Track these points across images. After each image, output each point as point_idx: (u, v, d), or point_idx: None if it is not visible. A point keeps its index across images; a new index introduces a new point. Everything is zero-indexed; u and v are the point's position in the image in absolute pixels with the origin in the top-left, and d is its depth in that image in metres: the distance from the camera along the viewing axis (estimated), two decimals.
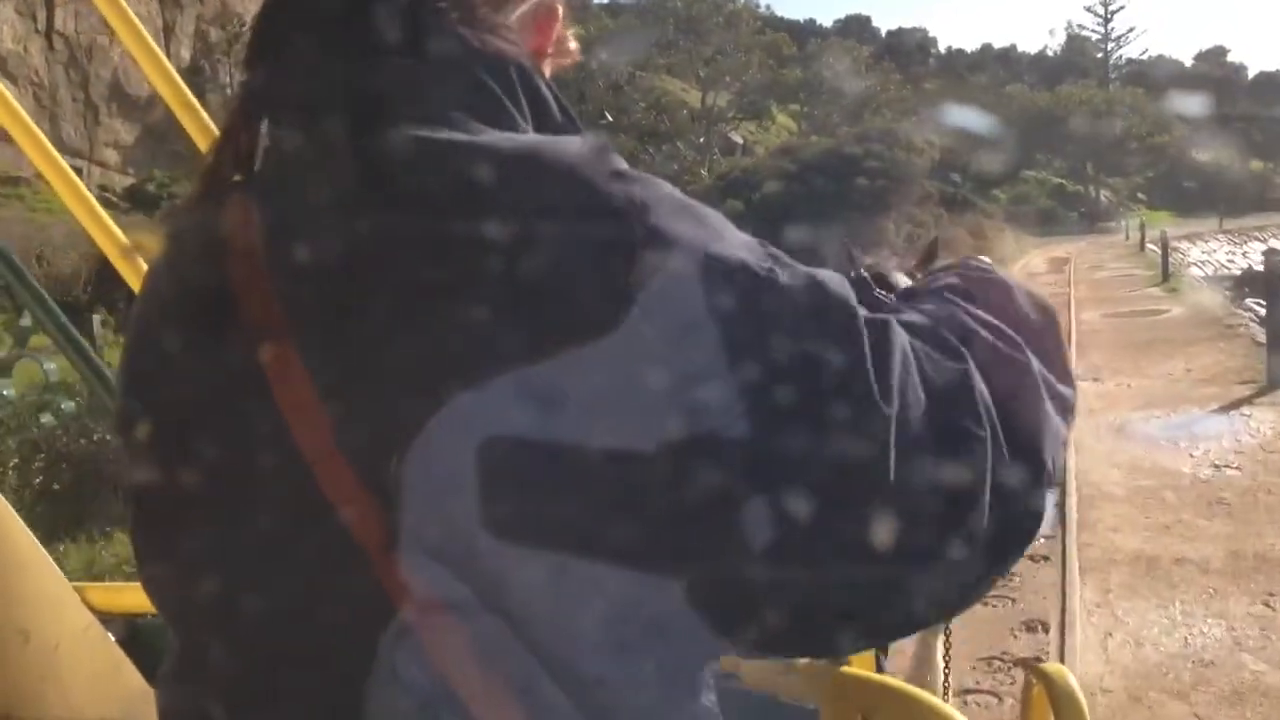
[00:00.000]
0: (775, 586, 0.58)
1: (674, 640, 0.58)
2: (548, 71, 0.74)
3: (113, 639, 1.39)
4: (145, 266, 1.11)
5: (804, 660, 1.07)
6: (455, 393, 0.54)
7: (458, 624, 0.55)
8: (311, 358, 0.58)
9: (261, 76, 0.69)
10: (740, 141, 42.09)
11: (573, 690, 0.56)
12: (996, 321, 0.67)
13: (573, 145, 0.61)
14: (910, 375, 0.59)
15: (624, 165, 0.61)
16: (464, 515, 0.55)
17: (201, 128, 1.41)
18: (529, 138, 0.64)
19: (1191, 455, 7.49)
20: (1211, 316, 15.17)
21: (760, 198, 22.26)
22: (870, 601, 0.61)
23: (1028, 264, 30.11)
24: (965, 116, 49.24)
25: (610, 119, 35.08)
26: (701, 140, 39.51)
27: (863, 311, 0.60)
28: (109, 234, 1.48)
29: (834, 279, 0.61)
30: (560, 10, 0.75)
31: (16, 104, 1.43)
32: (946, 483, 0.59)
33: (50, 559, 1.39)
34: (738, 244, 0.59)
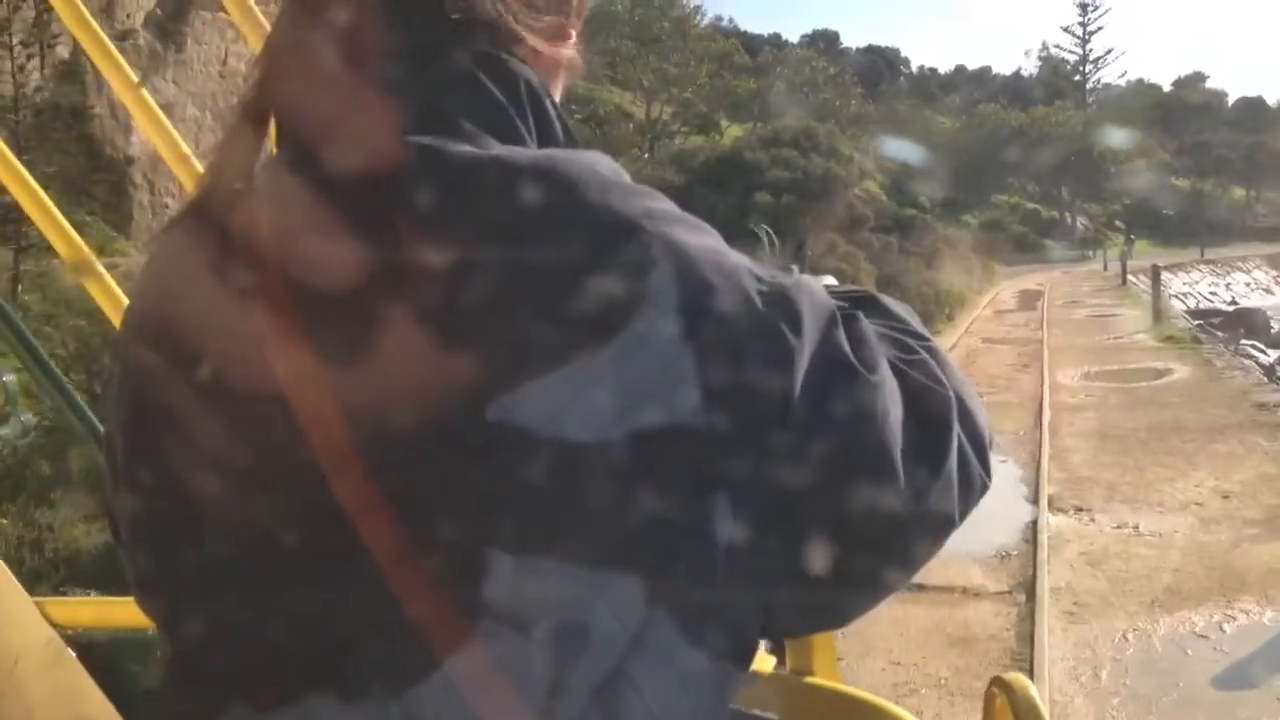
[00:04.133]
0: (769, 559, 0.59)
1: (691, 645, 0.59)
2: (557, 91, 0.74)
3: (73, 654, 1.32)
4: (104, 275, 1.40)
5: (768, 670, 1.08)
6: (478, 403, 0.55)
7: (477, 640, 0.55)
8: (328, 366, 0.58)
9: (270, 80, 0.67)
10: None
11: (594, 701, 0.56)
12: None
13: (583, 158, 0.61)
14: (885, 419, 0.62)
15: (628, 179, 0.62)
16: (487, 527, 0.55)
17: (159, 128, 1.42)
18: (542, 151, 0.64)
19: None
20: (1232, 386, 11.17)
21: None
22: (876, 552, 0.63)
23: (996, 298, 26.42)
24: (932, 136, 46.75)
25: None
26: (645, 155, 35.78)
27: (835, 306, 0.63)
28: (70, 242, 1.46)
29: (819, 291, 0.63)
30: (573, 32, 0.75)
31: None
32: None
33: (9, 573, 1.32)
34: (736, 256, 0.61)
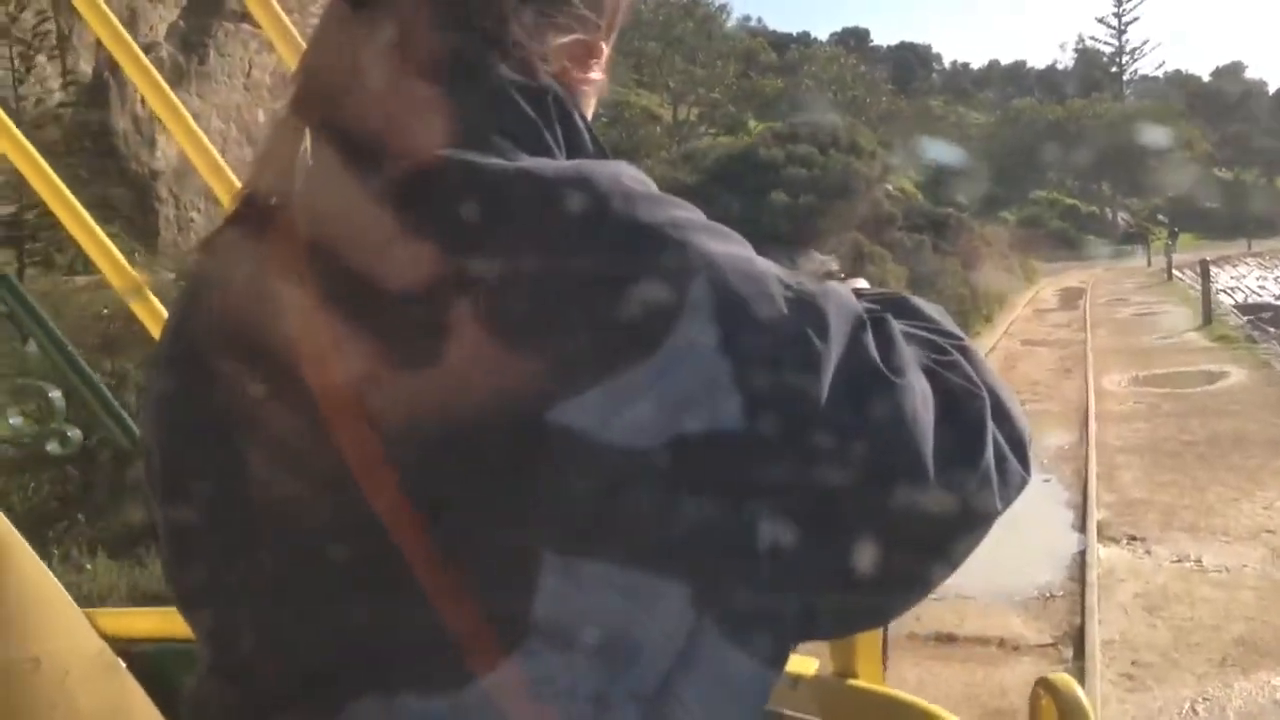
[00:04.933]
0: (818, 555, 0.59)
1: (734, 653, 0.60)
2: (589, 109, 0.74)
3: (123, 665, 1.33)
4: (155, 303, 1.43)
5: (811, 672, 1.08)
6: (519, 415, 0.55)
7: (523, 653, 0.56)
8: (361, 379, 0.58)
9: (312, 90, 0.69)
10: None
11: (640, 714, 0.57)
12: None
13: (610, 169, 0.62)
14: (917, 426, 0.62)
15: (654, 188, 0.63)
16: (537, 537, 0.56)
17: (197, 144, 1.43)
18: (570, 163, 0.64)
19: None
20: None
21: None
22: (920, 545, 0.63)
23: (1036, 297, 25.47)
24: (967, 132, 45.86)
25: None
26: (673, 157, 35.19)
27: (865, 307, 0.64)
28: (121, 271, 1.50)
29: (846, 296, 0.64)
30: (605, 49, 0.74)
31: (20, 134, 1.47)
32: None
33: (59, 585, 1.34)
34: (764, 263, 0.61)
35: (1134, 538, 6.15)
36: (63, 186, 1.48)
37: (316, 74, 0.68)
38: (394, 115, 0.63)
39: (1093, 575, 5.51)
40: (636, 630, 0.57)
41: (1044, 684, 0.89)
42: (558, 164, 0.63)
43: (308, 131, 0.66)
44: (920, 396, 0.61)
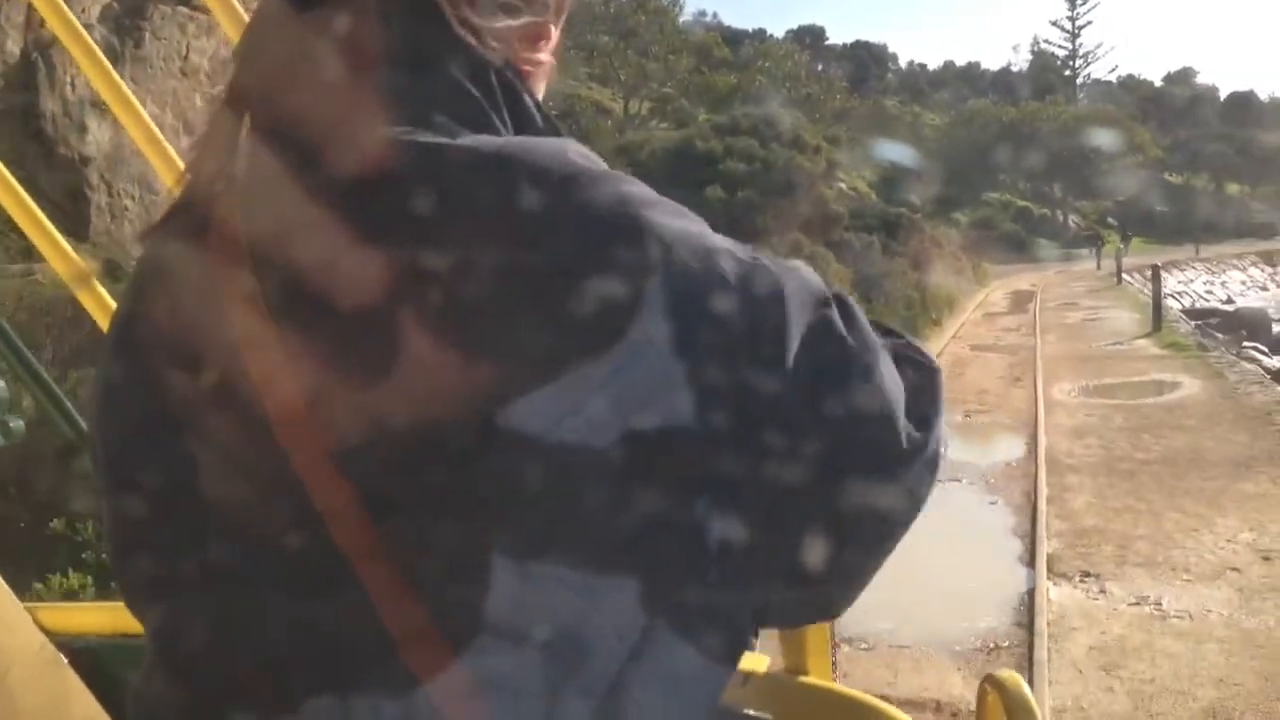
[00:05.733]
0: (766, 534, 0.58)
1: (686, 648, 0.58)
2: (539, 91, 0.73)
3: (65, 661, 1.30)
4: (102, 293, 1.37)
5: (762, 669, 1.06)
6: (467, 409, 0.54)
7: (475, 650, 0.55)
8: (305, 374, 0.57)
9: (243, 76, 0.67)
10: None
11: (592, 712, 0.56)
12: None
13: (553, 145, 0.61)
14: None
15: (603, 164, 0.61)
16: (489, 534, 0.55)
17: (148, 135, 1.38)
18: (511, 139, 0.63)
19: None
20: (1251, 405, 9.84)
21: None
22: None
23: (986, 300, 25.11)
24: (920, 133, 45.89)
25: None
26: (607, 150, 34.71)
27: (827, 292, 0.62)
28: (66, 258, 1.46)
29: (809, 276, 0.62)
30: (555, 33, 0.74)
31: None
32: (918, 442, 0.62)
33: (0, 580, 1.31)
34: (719, 238, 0.60)
35: (1087, 574, 5.56)
36: (7, 175, 1.41)
37: (254, 58, 0.66)
38: (335, 98, 0.61)
39: (1042, 622, 4.90)
40: (588, 628, 0.55)
41: (991, 681, 0.89)
42: (499, 140, 0.61)
43: (246, 117, 0.64)
44: (890, 375, 0.61)
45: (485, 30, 0.66)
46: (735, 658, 0.61)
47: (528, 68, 0.71)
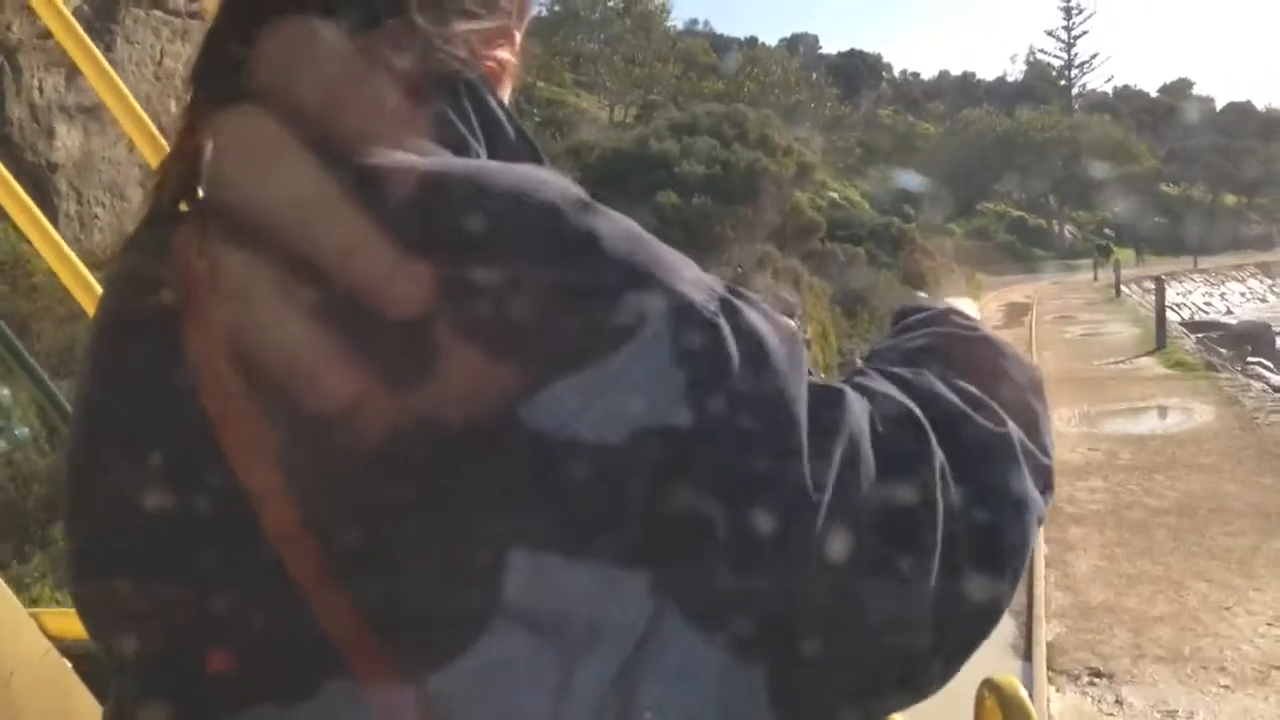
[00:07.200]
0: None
1: (698, 640, 0.58)
2: (505, 92, 0.73)
3: (69, 665, 1.32)
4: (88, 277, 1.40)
5: None
6: (510, 405, 0.54)
7: (490, 638, 0.55)
8: (256, 395, 0.57)
9: (206, 91, 0.67)
10: None
11: (604, 701, 0.56)
12: (974, 389, 0.67)
13: (525, 173, 0.59)
14: (859, 452, 0.59)
15: (583, 192, 0.60)
16: (508, 527, 0.55)
17: (152, 143, 1.39)
18: (478, 162, 0.63)
19: None
20: (1275, 436, 8.73)
21: None
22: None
23: (980, 312, 24.03)
24: (915, 142, 45.12)
25: None
26: (555, 152, 33.97)
27: (813, 378, 0.60)
28: (64, 259, 1.45)
29: (787, 333, 0.61)
30: (517, 36, 0.74)
31: None
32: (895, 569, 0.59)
33: (3, 584, 1.33)
34: (693, 281, 0.59)
35: (1098, 674, 4.42)
36: (8, 174, 1.43)
37: (212, 73, 0.66)
38: (303, 114, 0.60)
39: None
40: (600, 617, 0.55)
41: (988, 685, 0.88)
42: (467, 163, 0.61)
43: (212, 133, 0.64)
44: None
45: (444, 36, 0.65)
46: (746, 650, 0.58)
47: (491, 64, 0.70)
